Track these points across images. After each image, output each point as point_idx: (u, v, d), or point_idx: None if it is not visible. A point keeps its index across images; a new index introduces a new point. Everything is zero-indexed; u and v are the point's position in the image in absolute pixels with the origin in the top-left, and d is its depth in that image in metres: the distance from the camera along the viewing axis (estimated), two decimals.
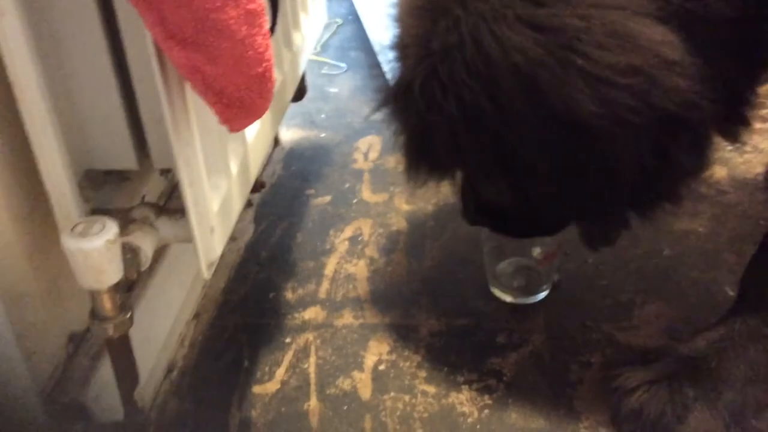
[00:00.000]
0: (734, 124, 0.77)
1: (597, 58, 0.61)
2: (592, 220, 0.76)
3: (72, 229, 0.57)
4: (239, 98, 0.53)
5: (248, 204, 1.15)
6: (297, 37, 0.94)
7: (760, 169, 1.12)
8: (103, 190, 0.67)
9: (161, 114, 0.57)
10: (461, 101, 0.65)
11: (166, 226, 0.64)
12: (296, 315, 0.95)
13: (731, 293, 0.92)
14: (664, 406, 0.75)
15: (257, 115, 0.57)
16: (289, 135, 1.33)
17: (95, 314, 0.60)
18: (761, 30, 0.67)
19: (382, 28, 1.56)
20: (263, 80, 0.54)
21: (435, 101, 0.67)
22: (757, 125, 1.20)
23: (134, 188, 0.69)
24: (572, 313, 0.92)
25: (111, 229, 0.56)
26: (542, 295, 0.94)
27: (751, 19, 0.65)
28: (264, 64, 0.53)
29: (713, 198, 1.08)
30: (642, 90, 0.61)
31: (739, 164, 1.14)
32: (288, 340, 0.91)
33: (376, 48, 1.55)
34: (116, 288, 0.59)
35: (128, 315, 0.61)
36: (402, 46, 0.73)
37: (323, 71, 1.53)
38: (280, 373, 0.87)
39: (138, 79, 0.60)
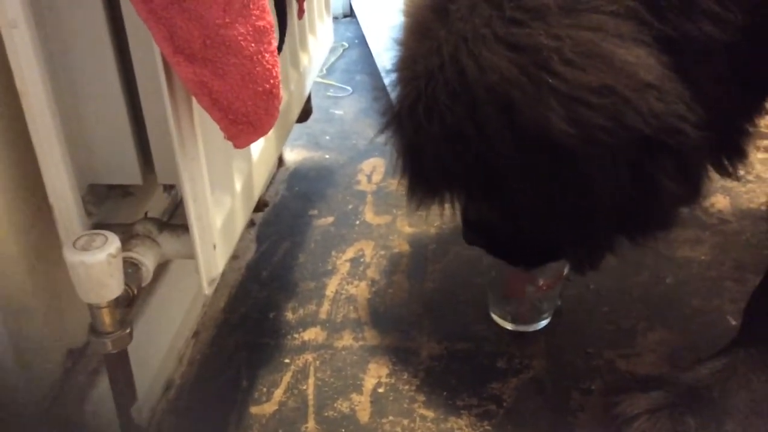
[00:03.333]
0: (729, 155, 0.76)
1: (569, 78, 0.61)
2: (575, 243, 0.76)
3: (74, 243, 0.57)
4: (245, 114, 0.53)
5: (251, 223, 1.15)
6: (304, 58, 0.95)
7: (763, 199, 1.12)
8: (106, 204, 0.67)
9: (167, 128, 0.57)
10: (443, 123, 0.66)
11: (168, 242, 0.64)
12: (296, 335, 0.94)
13: (733, 322, 0.91)
14: None
15: (263, 132, 0.57)
16: (293, 156, 1.33)
17: (94, 329, 0.59)
18: (757, 56, 0.66)
19: (388, 52, 1.57)
20: (270, 97, 0.54)
21: (421, 124, 0.67)
22: (761, 155, 1.20)
23: (137, 204, 0.69)
24: (574, 340, 0.91)
25: (113, 243, 0.56)
26: (543, 323, 0.93)
27: (746, 44, 0.64)
28: (271, 81, 0.54)
29: (716, 227, 1.08)
30: (615, 111, 0.61)
31: (742, 193, 1.14)
32: (287, 360, 0.91)
33: (382, 71, 1.56)
34: (116, 303, 0.58)
35: (127, 330, 0.60)
36: (397, 69, 0.74)
37: (329, 93, 1.54)
38: (279, 394, 0.86)
39: (145, 94, 0.60)
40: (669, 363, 0.87)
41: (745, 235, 1.07)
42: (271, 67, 0.54)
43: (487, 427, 0.81)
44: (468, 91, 0.64)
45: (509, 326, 0.93)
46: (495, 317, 0.95)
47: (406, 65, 0.71)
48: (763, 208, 1.11)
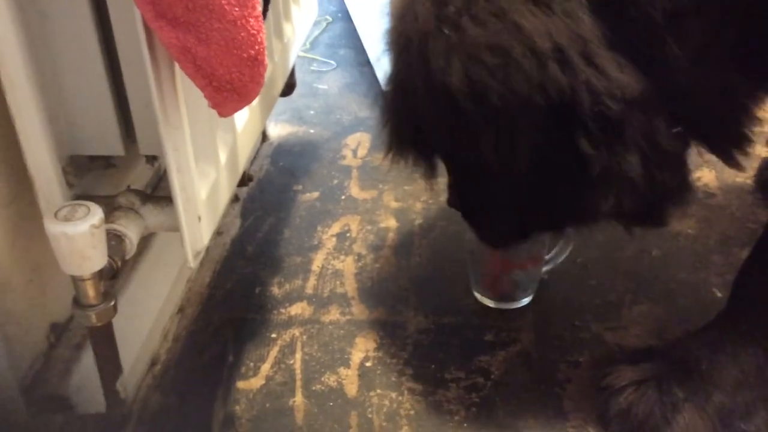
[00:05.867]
0: (730, 142, 0.70)
1: (471, 34, 0.60)
2: (499, 214, 0.74)
3: (56, 214, 0.55)
4: (230, 81, 0.52)
5: (235, 198, 1.14)
6: (288, 29, 0.93)
7: (748, 172, 1.13)
8: (88, 176, 0.66)
9: (149, 97, 0.56)
10: (396, 77, 0.68)
11: (152, 214, 0.63)
12: (282, 310, 0.94)
13: (719, 294, 0.92)
14: (653, 407, 0.75)
15: (248, 100, 0.56)
16: (277, 130, 1.32)
17: (78, 302, 0.58)
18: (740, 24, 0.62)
19: (372, 26, 1.55)
20: (255, 63, 0.53)
21: (392, 82, 0.70)
22: None
23: (120, 175, 0.68)
24: (561, 313, 0.91)
25: (96, 214, 0.55)
26: (525, 300, 0.93)
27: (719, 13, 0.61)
28: (256, 47, 0.52)
29: (702, 200, 1.08)
30: (506, 75, 0.59)
31: (728, 167, 1.14)
32: (274, 335, 0.90)
33: (366, 46, 1.54)
34: (100, 275, 0.57)
35: (112, 303, 0.59)
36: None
37: (312, 68, 1.52)
38: (265, 368, 0.85)
39: (126, 62, 0.59)
40: (656, 336, 0.87)
41: (731, 209, 1.07)
42: (255, 32, 0.52)
43: (475, 399, 0.81)
44: (407, 44, 0.65)
45: (491, 304, 0.93)
46: (477, 295, 0.94)
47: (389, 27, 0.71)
48: (749, 181, 1.11)
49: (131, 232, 0.60)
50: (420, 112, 0.66)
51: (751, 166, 1.13)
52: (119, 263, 0.58)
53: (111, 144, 0.62)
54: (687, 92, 0.63)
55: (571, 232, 0.90)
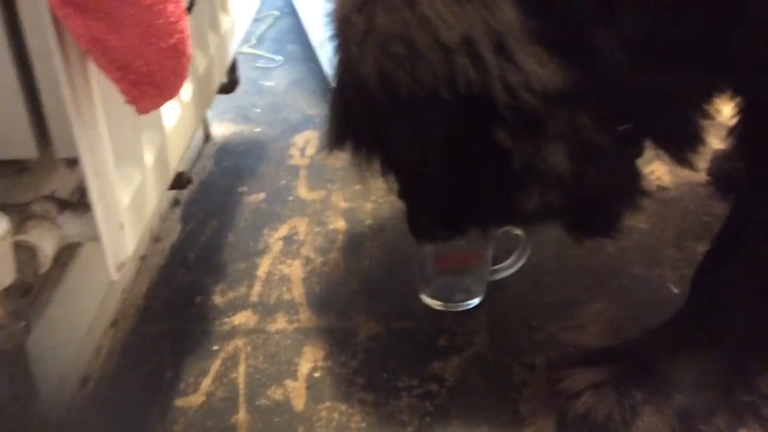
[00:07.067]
0: (681, 142, 0.67)
1: (380, 22, 0.59)
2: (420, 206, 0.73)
3: None
4: (148, 74, 0.47)
5: (175, 202, 1.08)
6: (225, 21, 0.88)
7: (701, 165, 1.11)
8: None
9: (62, 94, 0.50)
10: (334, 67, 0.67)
11: (70, 223, 0.57)
12: (225, 320, 0.89)
13: (675, 290, 0.90)
14: (612, 410, 0.72)
15: (170, 94, 0.51)
16: (221, 130, 1.26)
17: None
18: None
19: (319, 22, 1.50)
20: (176, 54, 0.48)
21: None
22: None
23: (36, 181, 0.61)
24: (516, 313, 0.88)
25: (1, 225, 0.49)
26: (473, 302, 0.89)
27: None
28: (176, 36, 0.47)
29: (654, 194, 1.07)
30: (412, 66, 0.58)
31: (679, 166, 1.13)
32: (216, 347, 0.85)
33: (314, 41, 1.49)
34: (8, 293, 0.51)
35: (23, 324, 0.53)
36: None
37: (258, 64, 1.47)
38: (206, 384, 0.80)
39: (37, 54, 0.53)
40: (613, 334, 0.85)
41: (684, 203, 1.06)
42: (175, 20, 0.47)
43: (429, 408, 0.77)
44: (336, 30, 0.65)
45: (438, 306, 0.89)
46: (424, 297, 0.90)
47: None
48: (702, 174, 1.10)
49: (45, 243, 0.54)
50: (347, 102, 0.65)
51: (705, 159, 1.12)
52: (32, 278, 0.53)
53: (22, 146, 0.56)
54: (628, 89, 0.60)
55: (526, 239, 0.88)
